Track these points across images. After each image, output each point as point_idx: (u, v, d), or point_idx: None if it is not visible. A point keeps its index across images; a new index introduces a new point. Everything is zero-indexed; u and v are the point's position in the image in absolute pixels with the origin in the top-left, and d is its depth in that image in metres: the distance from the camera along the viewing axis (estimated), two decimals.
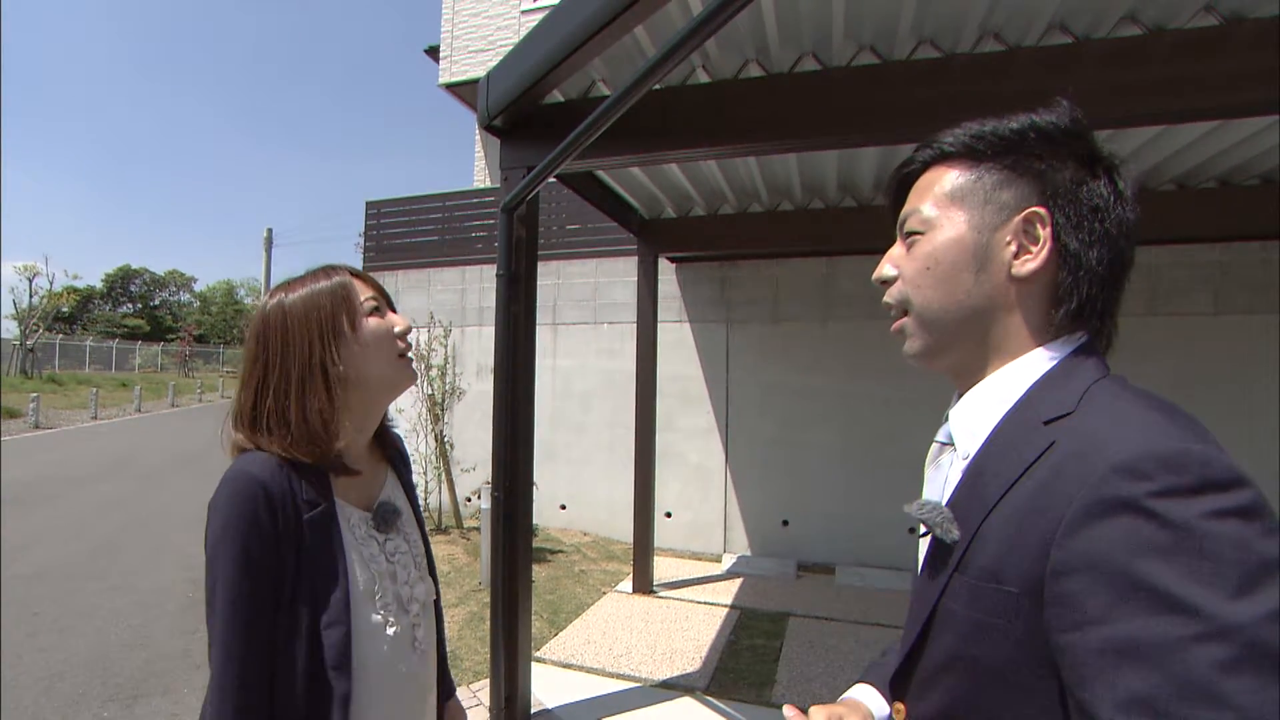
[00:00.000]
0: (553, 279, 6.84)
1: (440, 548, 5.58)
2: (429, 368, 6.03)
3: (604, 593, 4.90)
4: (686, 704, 3.28)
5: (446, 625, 4.12)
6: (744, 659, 3.82)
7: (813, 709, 0.79)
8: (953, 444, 0.76)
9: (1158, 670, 0.49)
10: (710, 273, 6.35)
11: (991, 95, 2.54)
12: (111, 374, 28.12)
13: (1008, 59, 2.56)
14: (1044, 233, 0.70)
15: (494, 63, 8.76)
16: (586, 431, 6.60)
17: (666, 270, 6.21)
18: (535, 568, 5.17)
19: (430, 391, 5.95)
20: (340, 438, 1.03)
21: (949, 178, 0.75)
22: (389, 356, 1.09)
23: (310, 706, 0.94)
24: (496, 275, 3.04)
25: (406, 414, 6.38)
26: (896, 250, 0.81)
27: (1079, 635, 0.54)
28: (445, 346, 6.18)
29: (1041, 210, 0.70)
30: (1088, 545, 0.55)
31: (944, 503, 0.71)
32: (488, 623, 4.09)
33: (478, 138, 9.79)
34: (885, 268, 0.82)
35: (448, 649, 3.68)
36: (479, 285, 6.97)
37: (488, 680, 3.42)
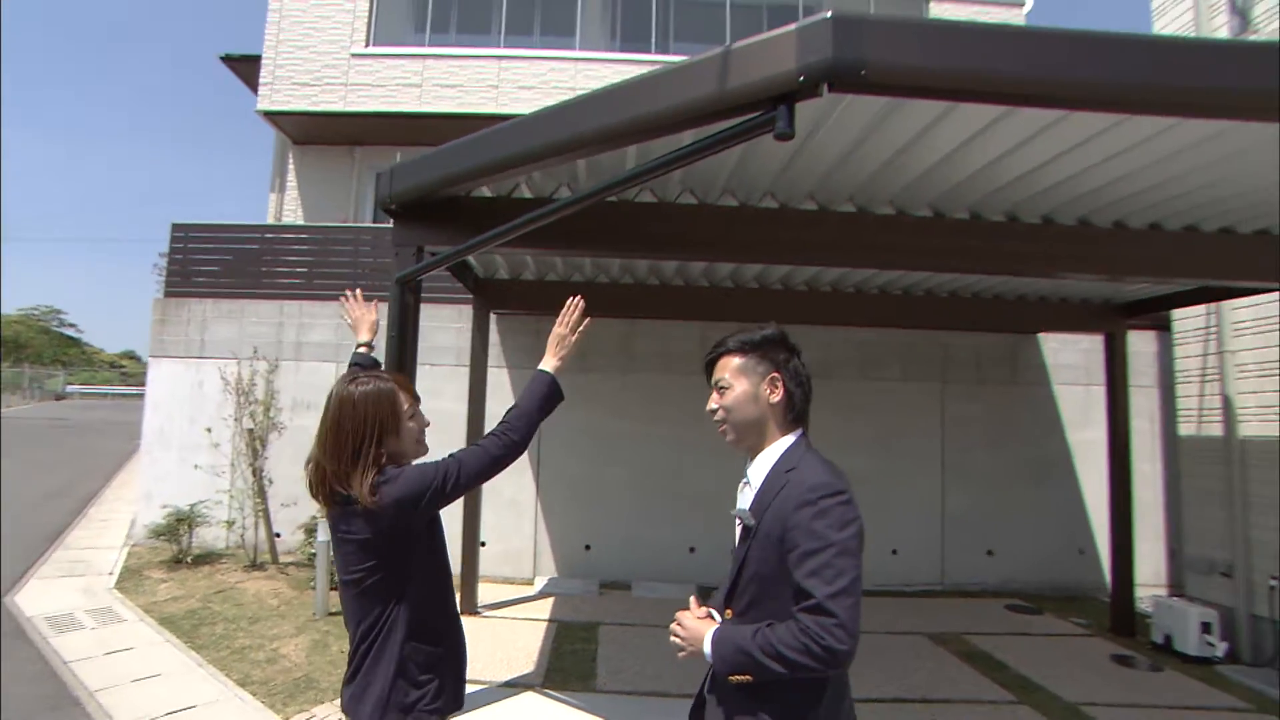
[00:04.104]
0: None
1: (260, 583, 5.57)
2: (251, 402, 5.98)
3: None
4: (530, 697, 3.96)
5: (292, 652, 4.32)
6: (568, 660, 4.57)
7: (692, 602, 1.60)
8: (749, 482, 1.57)
9: (824, 567, 1.30)
10: (527, 324, 7.08)
11: (768, 238, 3.71)
12: None
13: (778, 214, 3.74)
14: (779, 385, 1.55)
15: (319, 96, 8.89)
16: None
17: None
18: None
19: (251, 426, 5.90)
20: None
21: (735, 360, 1.58)
22: (414, 446, 1.77)
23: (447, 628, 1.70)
24: (388, 335, 3.56)
25: (222, 448, 6.21)
26: (715, 396, 1.61)
27: (795, 555, 1.35)
28: (269, 382, 6.16)
29: (777, 374, 1.55)
30: (796, 518, 1.36)
31: (747, 508, 1.53)
32: (333, 648, 4.42)
33: (291, 165, 9.56)
34: (711, 405, 1.62)
35: (301, 673, 3.95)
36: (297, 320, 6.97)
37: None
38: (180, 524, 5.84)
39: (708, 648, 1.42)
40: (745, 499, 1.57)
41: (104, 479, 10.81)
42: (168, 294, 6.98)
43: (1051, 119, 2.55)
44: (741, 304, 5.97)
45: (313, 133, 9.45)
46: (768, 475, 1.51)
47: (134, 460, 14.27)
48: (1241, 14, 4.74)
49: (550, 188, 3.81)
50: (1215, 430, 5.37)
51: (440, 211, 3.69)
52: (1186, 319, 5.76)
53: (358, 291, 2.50)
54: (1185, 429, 5.77)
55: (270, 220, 9.86)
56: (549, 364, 1.96)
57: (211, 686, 3.83)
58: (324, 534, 4.95)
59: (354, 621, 1.62)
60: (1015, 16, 10.12)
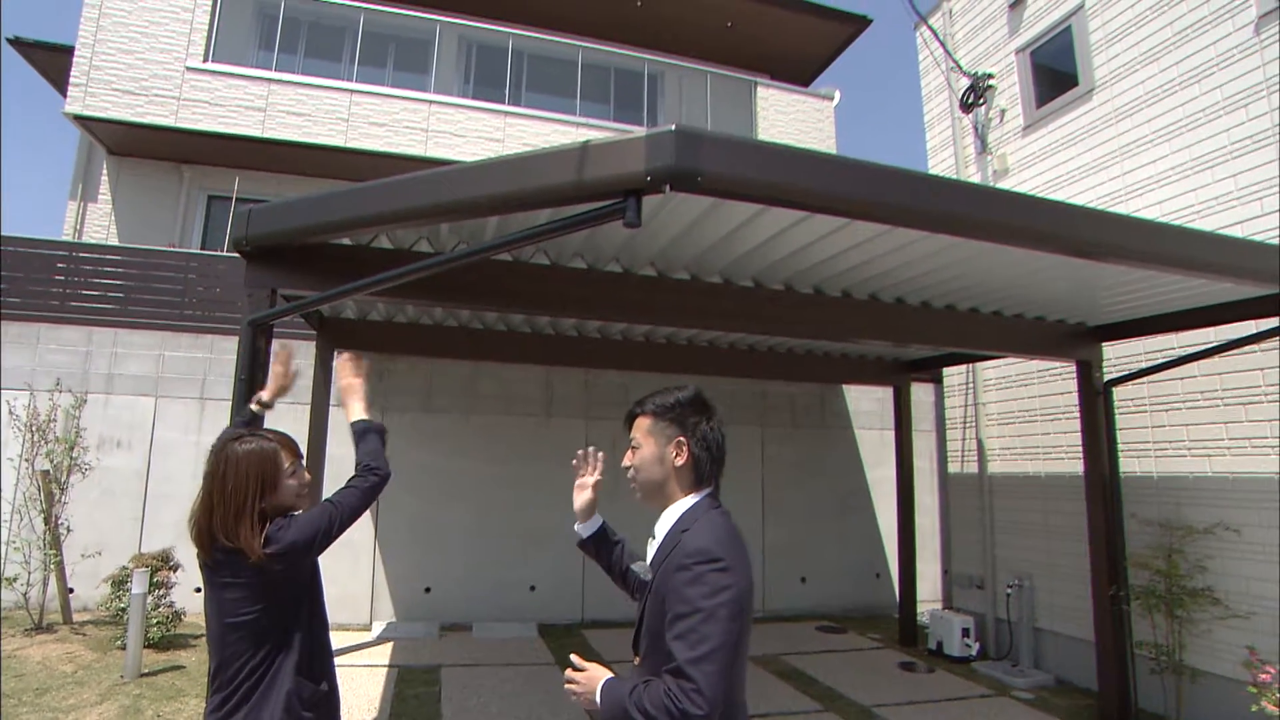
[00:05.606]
0: (204, 352, 6.65)
1: (49, 648, 4.93)
2: (48, 440, 5.35)
3: None
4: None
5: None
6: (411, 705, 4.56)
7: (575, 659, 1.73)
8: (655, 536, 1.62)
9: (689, 632, 1.36)
10: (369, 363, 6.96)
11: (613, 299, 4.12)
12: None
13: (622, 278, 4.17)
14: (685, 449, 1.60)
15: (146, 108, 8.34)
16: None
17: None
18: (183, 653, 5.03)
19: (46, 468, 5.28)
20: None
21: (647, 421, 1.65)
22: (295, 500, 1.91)
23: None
24: (236, 379, 3.49)
25: (4, 493, 5.45)
26: (629, 453, 1.68)
27: (669, 618, 1.40)
28: (74, 417, 5.56)
29: (683, 439, 1.60)
30: (673, 581, 1.43)
31: (649, 562, 1.61)
32: (145, 712, 4.13)
33: (105, 177, 8.67)
34: (625, 462, 1.69)
35: None
36: (110, 349, 6.35)
37: None
38: None
39: (598, 696, 1.50)
40: (650, 553, 1.65)
41: None
42: None
43: (840, 223, 3.20)
44: (584, 351, 6.34)
45: (134, 145, 8.68)
46: (667, 533, 1.59)
47: None
48: (981, 139, 6.08)
49: (410, 240, 3.97)
50: (973, 468, 6.53)
51: (296, 255, 3.70)
52: (953, 376, 6.97)
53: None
54: (953, 467, 6.94)
55: (68, 232, 8.85)
56: (363, 413, 2.26)
57: None
58: (139, 586, 4.55)
59: (236, 660, 1.71)
60: (827, 106, 11.70)
